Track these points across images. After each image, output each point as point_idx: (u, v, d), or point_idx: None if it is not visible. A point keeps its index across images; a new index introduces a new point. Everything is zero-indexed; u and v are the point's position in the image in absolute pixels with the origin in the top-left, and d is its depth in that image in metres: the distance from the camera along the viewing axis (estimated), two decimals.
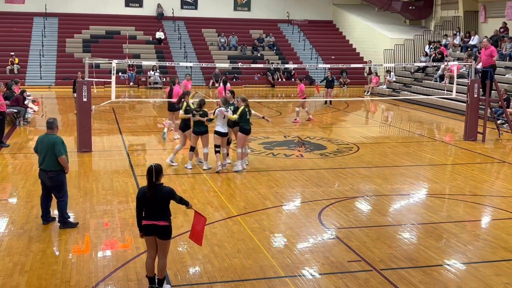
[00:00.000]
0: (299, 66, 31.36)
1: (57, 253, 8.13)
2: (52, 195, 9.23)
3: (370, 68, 32.86)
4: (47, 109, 23.40)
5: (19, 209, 10.06)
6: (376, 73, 32.10)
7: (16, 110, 18.92)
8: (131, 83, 31.69)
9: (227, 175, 12.76)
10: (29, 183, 11.65)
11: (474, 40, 29.24)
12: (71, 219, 9.24)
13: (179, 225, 9.26)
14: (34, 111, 21.07)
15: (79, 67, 23.82)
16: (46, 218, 9.23)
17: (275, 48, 36.83)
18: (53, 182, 8.98)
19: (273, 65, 32.63)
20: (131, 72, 31.99)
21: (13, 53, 31.09)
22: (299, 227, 9.38)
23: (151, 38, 35.59)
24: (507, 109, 18.71)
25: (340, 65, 25.81)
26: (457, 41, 29.63)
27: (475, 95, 16.86)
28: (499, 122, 18.91)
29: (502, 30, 28.04)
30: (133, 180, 12.05)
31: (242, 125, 12.69)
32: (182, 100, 13.27)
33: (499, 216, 10.26)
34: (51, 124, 9.01)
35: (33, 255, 7.99)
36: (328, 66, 24.85)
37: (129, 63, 20.52)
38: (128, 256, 7.93)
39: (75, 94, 22.15)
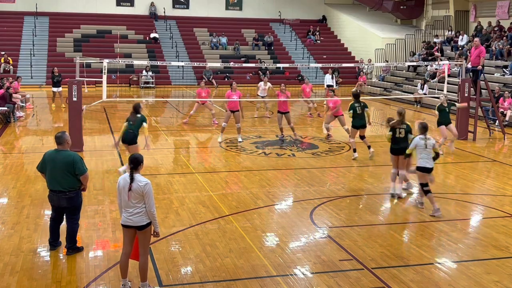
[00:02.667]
0: (291, 65, 31.40)
1: (48, 253, 8.10)
2: (63, 217, 8.15)
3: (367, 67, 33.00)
4: (38, 109, 23.30)
5: (10, 210, 10.01)
6: (366, 72, 32.23)
7: (6, 108, 18.89)
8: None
9: (219, 174, 12.76)
10: (20, 183, 11.59)
11: (463, 40, 29.39)
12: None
13: (170, 225, 9.26)
14: (21, 116, 20.87)
15: (70, 66, 23.71)
16: (56, 243, 8.20)
17: (272, 47, 36.78)
18: (72, 203, 7.91)
19: (265, 64, 32.62)
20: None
21: (3, 53, 30.88)
22: (291, 226, 9.40)
23: (143, 37, 35.50)
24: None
25: (336, 64, 25.78)
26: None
27: (466, 94, 16.97)
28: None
29: (496, 29, 28.17)
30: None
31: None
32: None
33: (490, 214, 10.31)
34: (60, 139, 7.85)
35: (24, 255, 7.96)
36: (320, 65, 24.86)
37: (120, 62, 20.44)
38: (120, 256, 7.89)
39: (53, 89, 22.98)
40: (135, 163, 6.79)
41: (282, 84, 17.02)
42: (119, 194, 6.85)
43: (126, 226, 6.83)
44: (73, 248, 8.07)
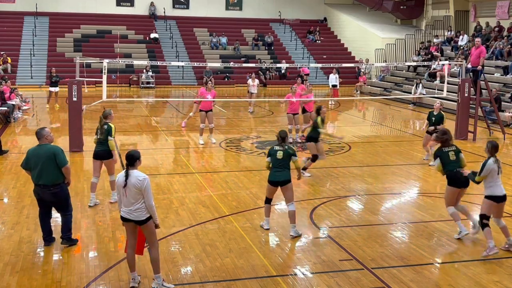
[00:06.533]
0: (291, 65, 31.39)
1: (48, 253, 8.10)
2: (50, 212, 8.33)
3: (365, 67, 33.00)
4: (38, 109, 23.31)
5: (10, 210, 10.01)
6: (364, 72, 32.27)
7: (6, 108, 18.90)
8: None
9: (219, 174, 12.76)
10: (20, 183, 11.59)
11: (463, 40, 29.38)
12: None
13: (170, 225, 9.26)
14: (23, 111, 20.95)
15: (70, 66, 23.71)
16: (50, 239, 8.32)
17: (272, 47, 36.78)
18: (58, 197, 8.08)
19: (265, 64, 32.63)
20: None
21: (3, 53, 30.89)
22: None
23: (143, 37, 35.49)
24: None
25: (336, 64, 25.85)
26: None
27: (466, 95, 16.97)
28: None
29: (497, 29, 28.14)
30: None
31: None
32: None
33: None
34: (39, 134, 8.09)
35: (24, 255, 7.96)
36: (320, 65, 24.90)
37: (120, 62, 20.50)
38: (120, 256, 7.90)
39: (51, 88, 22.81)
40: (131, 160, 6.85)
41: (294, 86, 17.04)
42: (119, 191, 6.92)
43: (125, 220, 6.88)
44: (68, 238, 8.22)
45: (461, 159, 8.98)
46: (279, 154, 8.84)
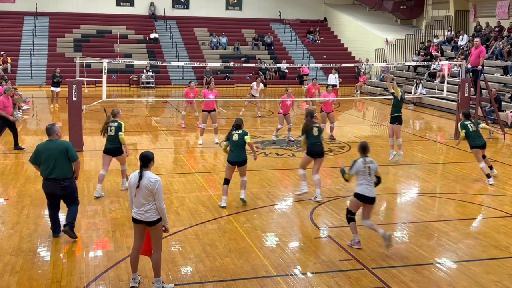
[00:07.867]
0: (291, 65, 31.40)
1: (48, 253, 8.10)
2: (59, 204, 8.59)
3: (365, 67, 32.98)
4: (38, 109, 23.30)
5: (10, 209, 10.01)
6: (364, 72, 32.27)
7: None
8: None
9: (219, 174, 12.76)
10: (20, 183, 11.59)
11: (463, 40, 29.38)
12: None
13: (170, 225, 9.25)
14: (23, 111, 20.98)
15: (70, 66, 23.72)
16: (58, 230, 8.58)
17: (272, 47, 36.79)
18: (67, 190, 8.33)
19: (265, 64, 32.63)
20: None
21: (3, 53, 30.88)
22: (291, 226, 9.40)
23: (143, 37, 35.49)
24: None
25: (336, 64, 25.83)
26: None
27: (466, 95, 16.97)
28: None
29: (497, 29, 28.14)
30: (125, 180, 11.96)
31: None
32: None
33: (490, 214, 10.31)
34: (50, 130, 8.34)
35: (24, 255, 7.96)
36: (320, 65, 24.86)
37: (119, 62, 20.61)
38: (120, 256, 7.92)
39: (52, 88, 23.17)
40: (145, 161, 6.87)
41: (289, 89, 17.26)
42: (131, 190, 6.94)
43: (136, 221, 6.87)
44: (71, 226, 8.41)
45: (320, 133, 10.78)
46: (235, 137, 10.16)
